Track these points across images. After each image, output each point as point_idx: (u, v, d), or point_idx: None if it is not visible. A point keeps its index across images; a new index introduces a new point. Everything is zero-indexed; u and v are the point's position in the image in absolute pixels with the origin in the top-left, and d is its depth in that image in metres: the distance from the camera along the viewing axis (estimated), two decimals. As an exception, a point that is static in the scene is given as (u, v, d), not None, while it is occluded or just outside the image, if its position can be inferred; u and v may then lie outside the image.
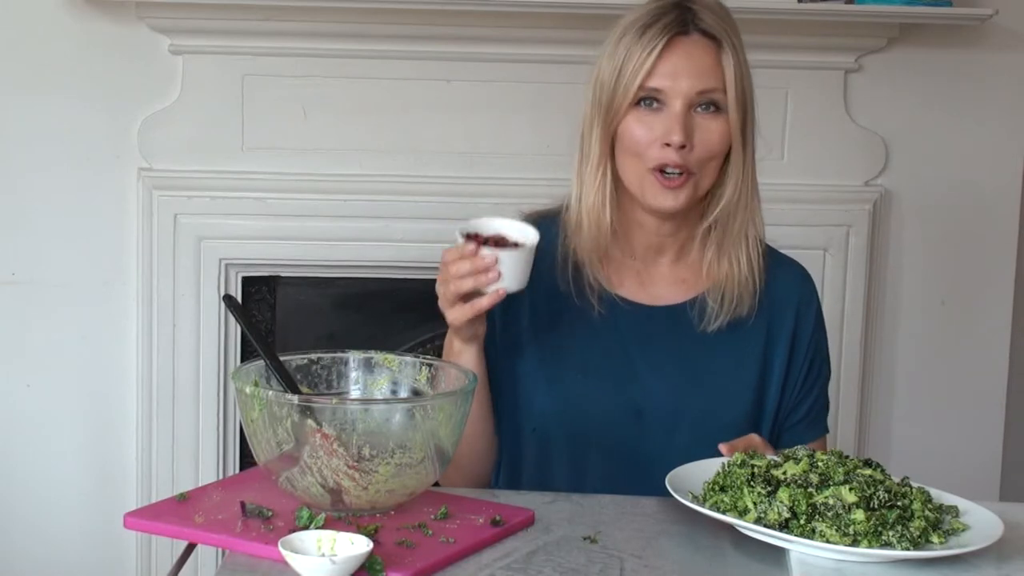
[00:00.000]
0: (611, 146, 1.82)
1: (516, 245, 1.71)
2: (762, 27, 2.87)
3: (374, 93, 3.00)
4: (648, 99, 1.79)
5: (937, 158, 3.12)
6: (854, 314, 3.10)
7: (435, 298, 1.76)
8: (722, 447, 1.67)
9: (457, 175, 3.02)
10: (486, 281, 1.68)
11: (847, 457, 1.59)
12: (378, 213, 3.00)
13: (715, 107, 1.79)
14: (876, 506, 1.48)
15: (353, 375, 1.68)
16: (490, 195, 2.96)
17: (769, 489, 1.51)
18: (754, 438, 1.72)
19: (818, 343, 1.93)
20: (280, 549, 1.35)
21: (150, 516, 1.52)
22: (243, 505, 1.52)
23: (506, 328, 1.86)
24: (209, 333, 3.01)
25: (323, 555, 1.36)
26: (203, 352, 3.02)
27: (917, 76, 3.09)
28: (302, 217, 2.99)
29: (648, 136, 1.78)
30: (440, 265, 1.73)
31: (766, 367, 1.89)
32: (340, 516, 1.50)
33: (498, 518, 1.53)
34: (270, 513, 1.51)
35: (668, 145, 1.76)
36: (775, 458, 1.61)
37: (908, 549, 1.45)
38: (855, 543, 1.45)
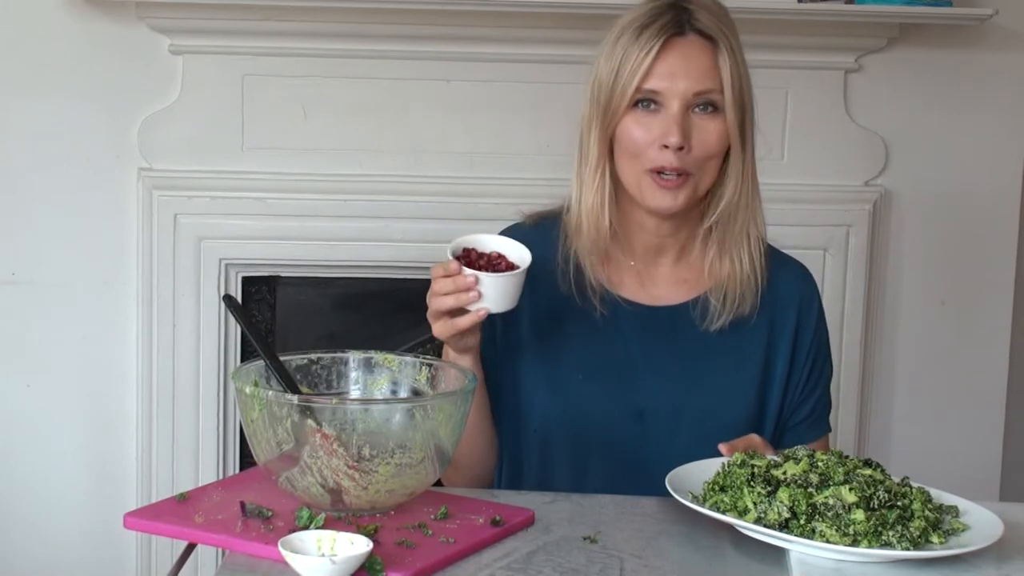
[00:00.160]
0: (610, 147, 1.82)
1: (511, 267, 1.72)
2: (762, 27, 2.87)
3: (374, 93, 3.00)
4: (645, 101, 1.79)
5: (937, 158, 3.12)
6: (854, 314, 3.10)
7: (434, 299, 1.76)
8: (722, 447, 1.67)
9: (457, 175, 3.02)
10: (466, 301, 1.69)
11: (847, 457, 1.59)
12: (378, 213, 3.00)
13: (713, 107, 1.79)
14: (876, 506, 1.48)
15: (353, 375, 1.68)
16: (490, 195, 2.96)
17: (769, 489, 1.51)
18: (754, 438, 1.72)
19: (820, 342, 1.93)
20: (280, 549, 1.35)
21: (150, 516, 1.52)
22: (243, 505, 1.52)
23: (507, 329, 1.86)
24: (209, 333, 3.01)
25: (323, 555, 1.36)
26: (203, 352, 3.02)
27: (917, 76, 3.09)
28: (302, 217, 3.00)
29: (646, 137, 1.78)
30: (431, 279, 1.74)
31: (768, 366, 1.89)
32: (340, 516, 1.50)
33: (498, 518, 1.53)
34: (270, 513, 1.51)
35: (666, 147, 1.76)
36: (775, 458, 1.61)
37: (908, 549, 1.45)
38: (855, 543, 1.45)
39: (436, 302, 1.71)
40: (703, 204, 1.85)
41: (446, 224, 2.89)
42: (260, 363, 1.60)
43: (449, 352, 1.81)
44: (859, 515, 1.46)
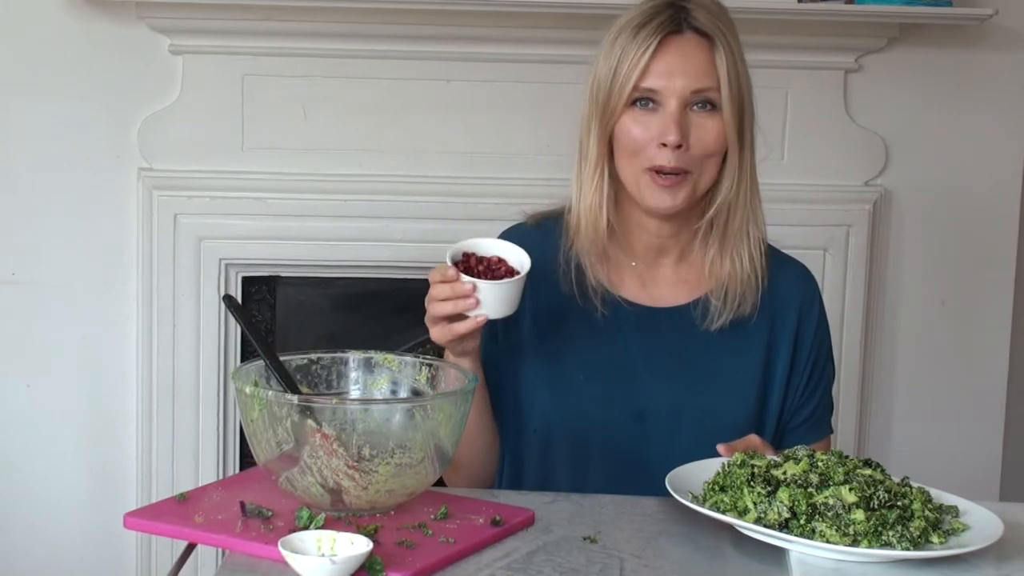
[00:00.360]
0: (609, 147, 1.82)
1: (511, 272, 1.71)
2: (762, 27, 2.87)
3: (374, 93, 3.00)
4: (643, 99, 1.79)
5: (937, 158, 3.12)
6: (854, 314, 3.10)
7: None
8: (720, 448, 1.67)
9: (457, 175, 3.02)
10: (464, 307, 1.68)
11: (847, 457, 1.59)
12: (378, 213, 3.00)
13: (711, 105, 1.79)
14: (876, 506, 1.48)
15: (353, 375, 1.68)
16: (490, 195, 2.96)
17: (769, 489, 1.51)
18: (753, 438, 1.72)
19: (821, 343, 1.93)
20: (280, 549, 1.35)
21: (150, 516, 1.52)
22: (243, 505, 1.52)
23: (508, 329, 1.86)
24: (209, 333, 3.01)
25: (323, 555, 1.36)
26: (203, 352, 3.02)
27: (917, 76, 3.09)
28: (302, 217, 3.00)
29: (644, 136, 1.78)
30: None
31: (769, 366, 1.88)
32: (340, 516, 1.50)
33: (498, 518, 1.53)
34: (270, 513, 1.51)
35: (664, 145, 1.76)
36: (775, 458, 1.61)
37: (908, 549, 1.45)
38: (855, 543, 1.45)
39: (434, 307, 1.71)
40: (703, 203, 1.85)
41: (446, 224, 2.89)
42: (260, 363, 1.60)
43: (449, 355, 1.81)
44: (859, 515, 1.46)
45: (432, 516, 1.53)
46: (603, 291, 1.85)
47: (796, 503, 1.48)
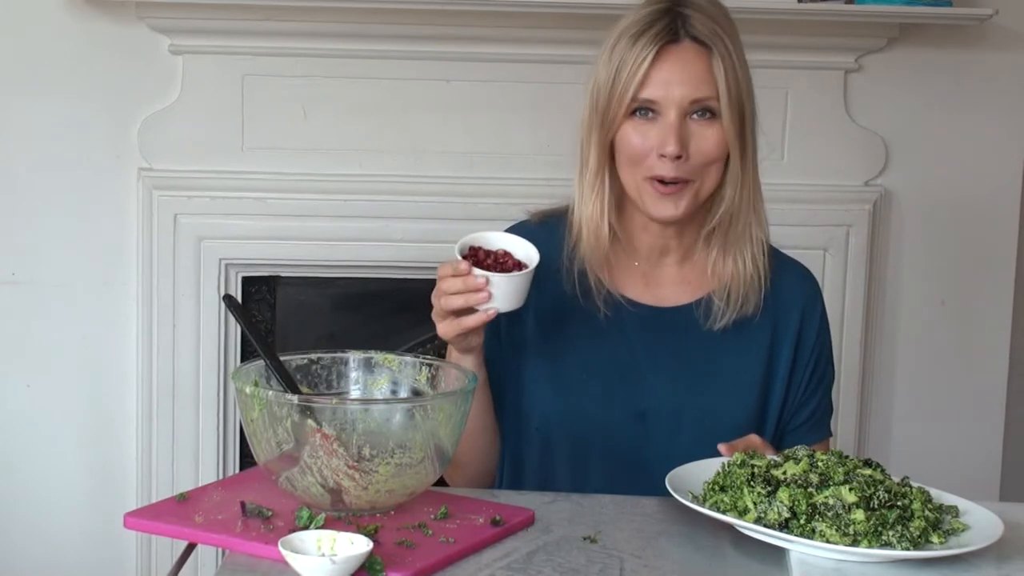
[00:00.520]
0: (609, 154, 1.82)
1: (518, 265, 1.71)
2: (762, 27, 2.87)
3: (374, 93, 3.00)
4: (643, 109, 1.78)
5: (937, 158, 3.12)
6: (854, 314, 3.10)
7: (435, 298, 1.76)
8: (721, 447, 1.67)
9: (457, 175, 3.02)
10: (476, 301, 1.68)
11: (847, 457, 1.59)
12: (378, 213, 3.00)
13: (710, 113, 1.78)
14: (876, 506, 1.48)
15: (353, 375, 1.68)
16: (490, 195, 2.96)
17: (769, 489, 1.51)
18: (753, 438, 1.72)
19: (822, 345, 1.93)
20: (280, 549, 1.35)
21: (150, 516, 1.52)
22: (243, 505, 1.52)
23: (512, 327, 1.86)
24: (209, 333, 3.01)
25: (323, 555, 1.36)
26: (203, 352, 3.02)
27: (917, 76, 3.09)
28: (302, 217, 3.00)
29: (644, 145, 1.78)
30: (437, 278, 1.73)
31: (771, 367, 1.88)
32: (340, 516, 1.50)
33: (498, 518, 1.53)
34: (270, 513, 1.51)
35: (664, 156, 1.76)
36: (775, 458, 1.61)
37: (908, 549, 1.45)
38: (855, 543, 1.45)
39: (444, 302, 1.70)
40: (707, 206, 1.85)
41: (446, 224, 2.89)
42: (260, 363, 1.60)
43: (452, 352, 1.80)
44: (859, 515, 1.46)
45: (432, 516, 1.53)
46: (606, 291, 1.85)
47: (796, 503, 1.48)
